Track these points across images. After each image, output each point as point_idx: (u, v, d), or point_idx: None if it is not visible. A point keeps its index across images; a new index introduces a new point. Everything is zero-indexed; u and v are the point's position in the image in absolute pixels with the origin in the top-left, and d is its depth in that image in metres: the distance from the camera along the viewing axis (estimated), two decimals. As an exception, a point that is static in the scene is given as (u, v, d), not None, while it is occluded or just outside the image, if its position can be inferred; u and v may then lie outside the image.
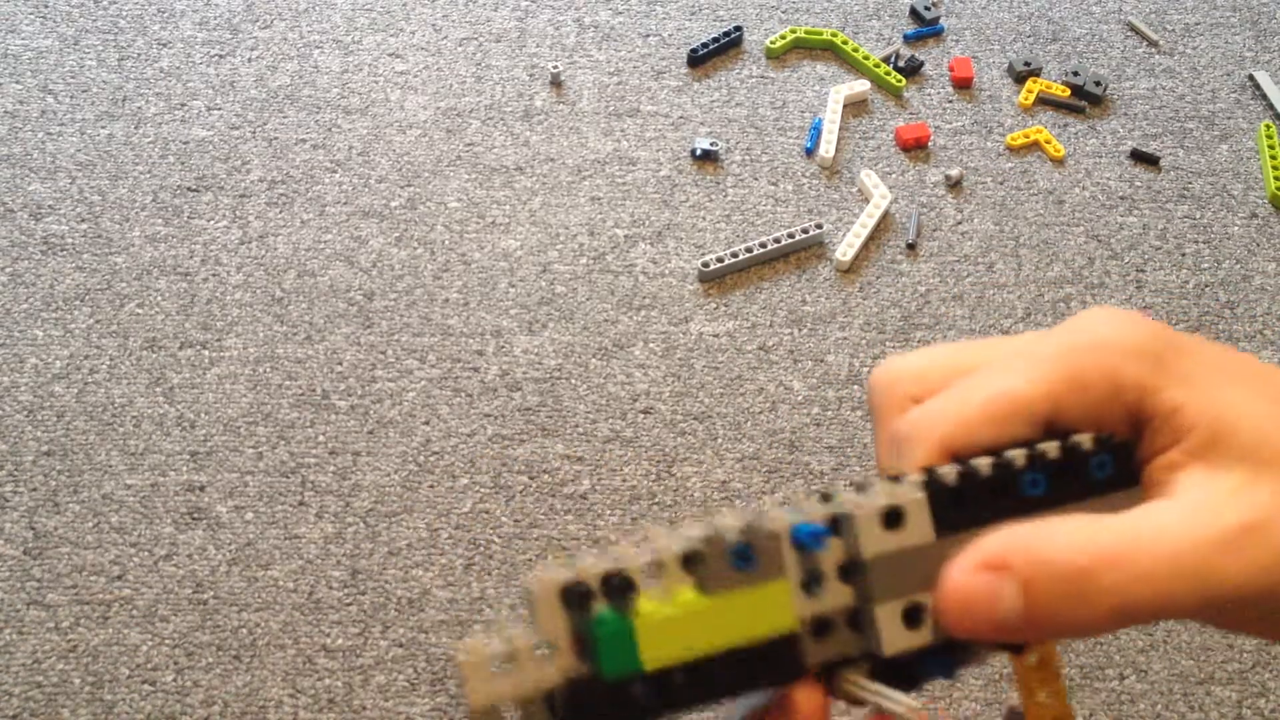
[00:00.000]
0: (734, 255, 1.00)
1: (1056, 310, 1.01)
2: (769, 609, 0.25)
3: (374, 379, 0.94)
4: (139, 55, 1.10)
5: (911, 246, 1.03)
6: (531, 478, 0.90)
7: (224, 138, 1.06)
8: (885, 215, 1.04)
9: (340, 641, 0.84)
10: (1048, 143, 1.09)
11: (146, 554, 0.86)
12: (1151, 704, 0.84)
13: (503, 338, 0.96)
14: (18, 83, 1.08)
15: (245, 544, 0.87)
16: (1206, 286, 1.03)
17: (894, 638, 0.26)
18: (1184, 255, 1.05)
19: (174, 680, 0.82)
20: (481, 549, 0.87)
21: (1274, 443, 0.25)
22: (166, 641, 0.83)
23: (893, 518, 0.26)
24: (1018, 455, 0.27)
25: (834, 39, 1.14)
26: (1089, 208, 1.07)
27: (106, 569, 0.85)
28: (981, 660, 0.27)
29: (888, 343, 0.98)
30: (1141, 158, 1.10)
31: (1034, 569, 0.24)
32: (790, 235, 1.01)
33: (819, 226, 1.01)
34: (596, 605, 0.24)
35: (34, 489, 0.88)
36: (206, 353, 0.95)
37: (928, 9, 1.17)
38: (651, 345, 0.97)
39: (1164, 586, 0.24)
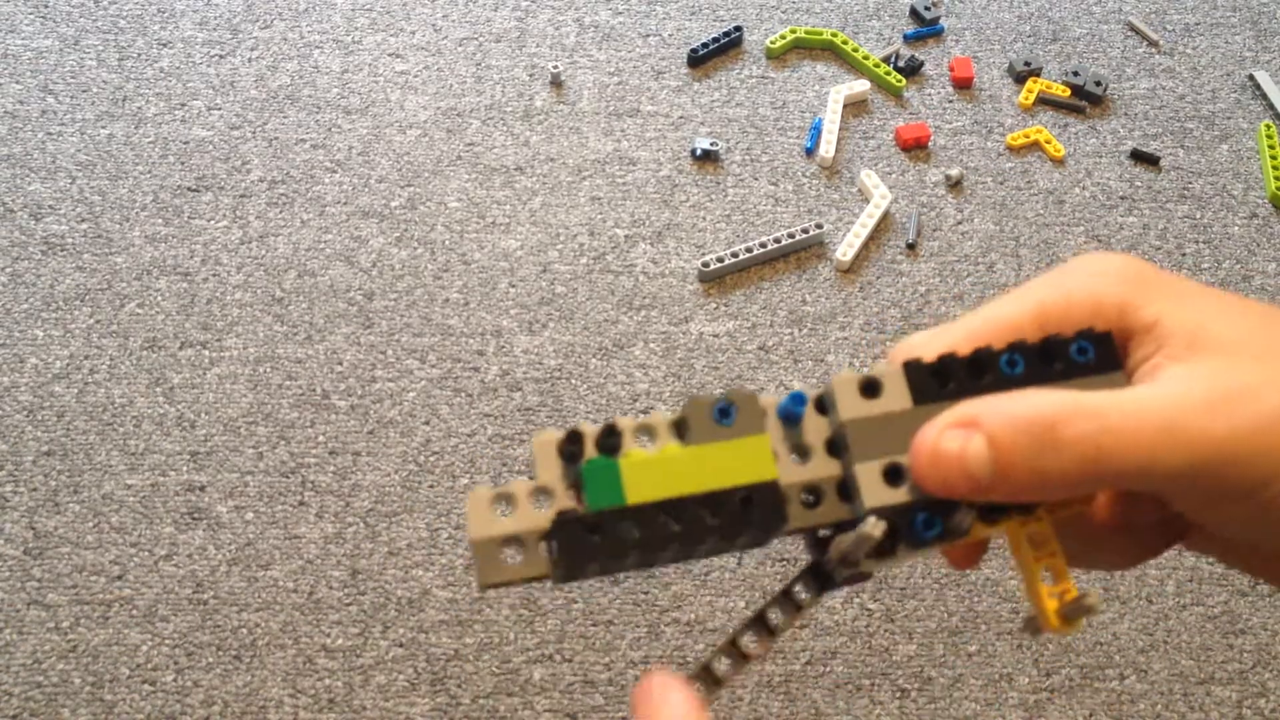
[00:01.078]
0: (734, 255, 1.00)
1: (1056, 310, 1.01)
2: (748, 459, 0.27)
3: (374, 379, 0.94)
4: (139, 55, 1.10)
5: (911, 246, 1.03)
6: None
7: (224, 138, 1.06)
8: (885, 215, 1.04)
9: (340, 641, 0.84)
10: (1048, 143, 1.09)
11: (146, 554, 0.86)
12: (1151, 704, 0.84)
13: (503, 338, 0.96)
14: (18, 83, 1.08)
15: (245, 544, 0.87)
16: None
17: (874, 494, 0.27)
18: (1184, 255, 1.05)
19: (174, 680, 0.82)
20: (481, 549, 0.87)
21: (1248, 341, 0.26)
22: (166, 641, 0.83)
23: (870, 387, 0.27)
24: (996, 342, 0.28)
25: (834, 39, 1.14)
26: (1089, 208, 1.07)
27: (106, 569, 0.85)
28: (962, 531, 0.27)
29: (888, 343, 0.98)
30: (1141, 158, 1.10)
31: (1001, 423, 0.25)
32: (790, 235, 1.01)
33: (819, 226, 1.01)
34: (588, 454, 0.27)
35: (34, 489, 0.88)
36: (206, 353, 0.95)
37: (928, 9, 1.17)
38: (651, 345, 0.97)
39: (1144, 440, 0.24)
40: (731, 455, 0.27)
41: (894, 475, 0.27)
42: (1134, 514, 0.29)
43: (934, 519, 0.27)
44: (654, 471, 0.26)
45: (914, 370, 0.27)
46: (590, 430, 0.27)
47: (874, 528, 0.26)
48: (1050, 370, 0.27)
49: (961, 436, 0.26)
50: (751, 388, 0.30)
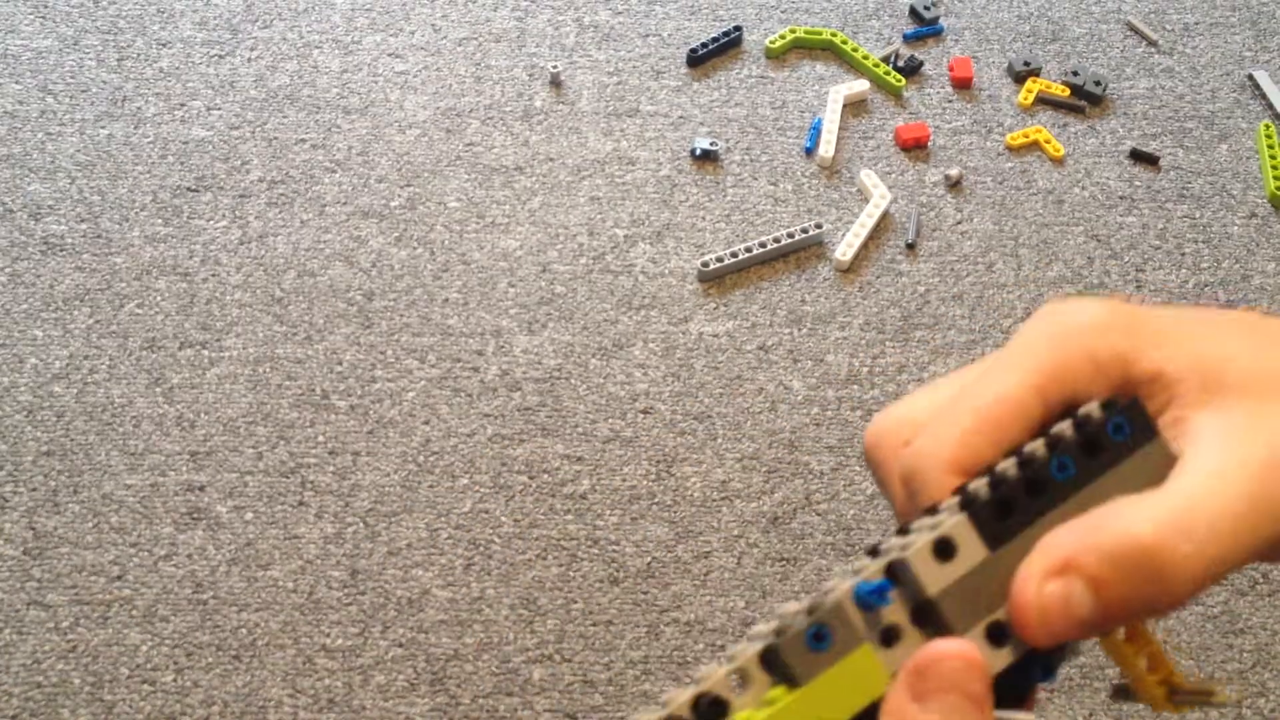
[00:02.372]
0: (734, 255, 1.00)
1: (1056, 310, 1.01)
2: (858, 678, 0.25)
3: (374, 379, 0.94)
4: (139, 55, 1.10)
5: (911, 246, 1.03)
6: (531, 478, 0.90)
7: (224, 138, 1.06)
8: (885, 215, 1.04)
9: (340, 641, 0.84)
10: (1047, 142, 1.09)
11: (146, 554, 0.86)
12: (1151, 704, 0.84)
13: (502, 338, 0.96)
14: (17, 83, 1.08)
15: (245, 544, 0.87)
16: (1206, 286, 1.03)
17: (987, 663, 0.26)
18: (1183, 255, 1.05)
19: (174, 680, 0.82)
20: (481, 549, 0.87)
21: (1257, 369, 0.26)
22: (166, 641, 0.83)
23: (943, 548, 0.26)
24: (1037, 447, 0.27)
25: (834, 39, 1.14)
26: (1089, 207, 1.07)
27: (106, 569, 0.85)
28: (1077, 653, 0.27)
29: (887, 342, 0.98)
30: (1141, 157, 1.10)
31: (1098, 562, 0.24)
32: (790, 235, 1.01)
33: (819, 226, 1.01)
34: None
35: (34, 489, 0.88)
36: (206, 353, 0.95)
37: (927, 9, 1.17)
38: (651, 345, 0.97)
39: (1243, 532, 0.24)
40: (840, 682, 0.25)
41: (997, 636, 0.26)
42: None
43: (1049, 663, 0.27)
44: None
45: (978, 513, 0.26)
46: (683, 700, 0.24)
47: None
48: (1099, 463, 0.27)
49: (1062, 586, 0.25)
50: (825, 586, 0.27)
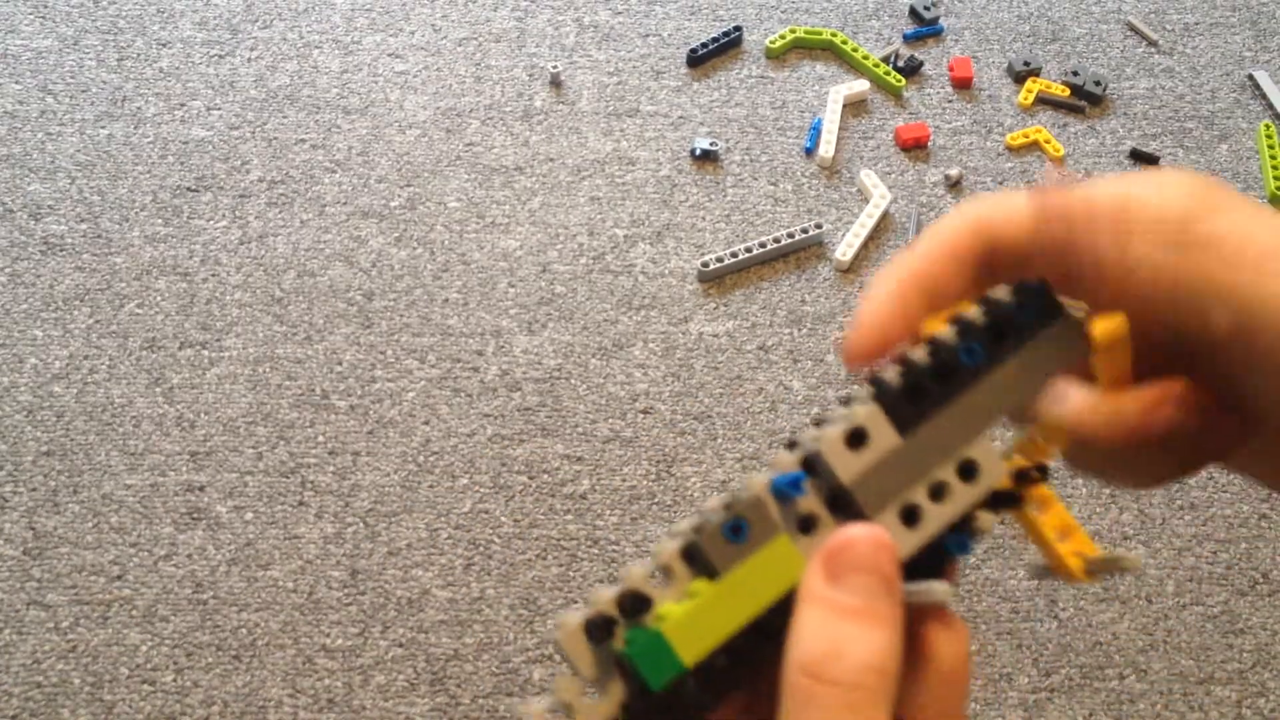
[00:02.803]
0: (734, 255, 1.00)
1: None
2: (777, 567, 0.26)
3: (374, 379, 0.94)
4: (139, 55, 1.10)
5: (911, 246, 1.03)
6: (531, 478, 0.90)
7: (224, 138, 1.06)
8: (885, 215, 1.04)
9: (340, 641, 0.84)
10: (1047, 142, 1.09)
11: (146, 554, 0.86)
12: (1151, 704, 0.84)
13: (502, 338, 0.96)
14: (17, 83, 1.08)
15: (245, 544, 0.87)
16: (1206, 286, 1.03)
17: (900, 543, 0.26)
18: (1184, 255, 1.05)
19: (174, 680, 0.82)
20: (481, 549, 0.87)
21: None
22: (166, 641, 0.83)
23: (856, 437, 0.27)
24: (946, 334, 0.27)
25: (833, 39, 1.14)
26: (1089, 207, 1.07)
27: (106, 569, 0.85)
28: (989, 530, 0.28)
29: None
30: (1141, 157, 1.10)
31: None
32: (790, 235, 1.01)
33: (819, 226, 1.01)
34: (621, 629, 0.25)
35: (34, 489, 0.88)
36: (206, 353, 0.95)
37: (927, 9, 1.17)
38: (651, 345, 0.97)
39: (1247, 268, 0.25)
40: (760, 570, 0.26)
41: (910, 517, 0.27)
42: (1183, 417, 0.28)
43: (960, 535, 0.27)
44: (697, 624, 0.25)
45: (889, 401, 0.27)
46: (607, 597, 0.25)
47: (941, 589, 0.25)
48: (1007, 345, 0.28)
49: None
50: (744, 479, 0.28)
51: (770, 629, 0.25)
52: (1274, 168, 1.09)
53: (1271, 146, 1.10)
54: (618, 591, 0.25)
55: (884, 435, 0.27)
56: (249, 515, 0.88)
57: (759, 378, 0.96)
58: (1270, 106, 1.14)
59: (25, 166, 1.03)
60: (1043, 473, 0.29)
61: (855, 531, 0.25)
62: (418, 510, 0.89)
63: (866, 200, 1.05)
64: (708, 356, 0.96)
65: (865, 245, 1.02)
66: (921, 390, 0.27)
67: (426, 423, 0.92)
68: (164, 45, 1.11)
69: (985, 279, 0.29)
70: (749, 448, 0.92)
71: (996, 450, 0.27)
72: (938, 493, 0.27)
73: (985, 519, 0.27)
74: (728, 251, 1.00)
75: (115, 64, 1.10)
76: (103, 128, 1.05)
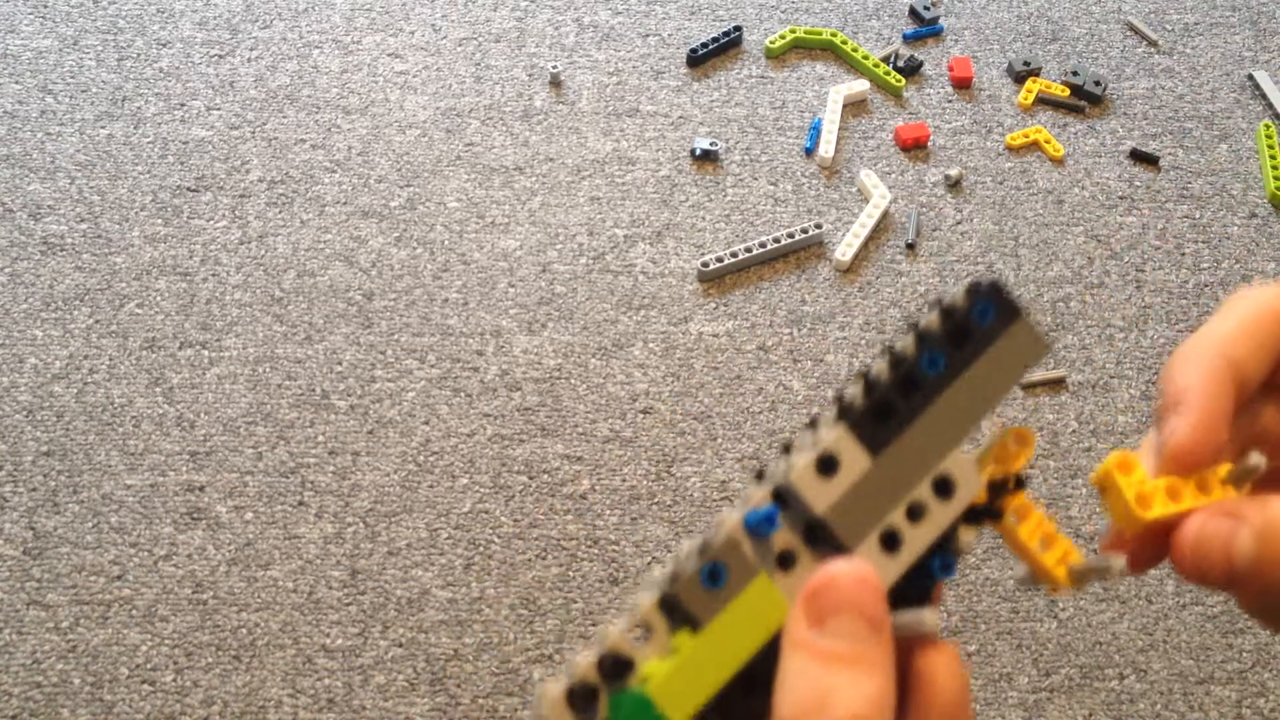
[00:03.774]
0: (733, 255, 1.00)
1: (1056, 310, 1.01)
2: (759, 609, 0.25)
3: (374, 379, 0.94)
4: (139, 55, 1.10)
5: (911, 246, 1.03)
6: (531, 478, 0.90)
7: (224, 138, 1.06)
8: (885, 215, 1.04)
9: (340, 641, 0.84)
10: (1047, 142, 1.09)
11: (146, 554, 0.86)
12: (1151, 704, 0.84)
13: (502, 338, 0.96)
14: (17, 83, 1.08)
15: (245, 544, 0.87)
16: (1206, 286, 1.03)
17: (883, 572, 0.25)
18: (1183, 255, 1.05)
19: (174, 680, 0.82)
20: (481, 549, 0.87)
21: None
22: (166, 641, 0.83)
23: (826, 464, 0.26)
24: (906, 344, 0.27)
25: (833, 39, 1.14)
26: (1088, 207, 1.07)
27: (106, 569, 0.85)
28: (971, 548, 0.27)
29: (887, 342, 0.98)
30: (1141, 157, 1.10)
31: (1267, 521, 0.25)
32: (790, 235, 1.01)
33: (818, 226, 1.01)
34: (605, 695, 0.24)
35: (34, 489, 0.88)
36: (206, 353, 0.95)
37: (927, 9, 1.17)
38: (651, 345, 0.97)
39: None
40: (742, 616, 0.25)
41: (890, 543, 0.26)
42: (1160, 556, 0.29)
43: (947, 559, 0.26)
44: (683, 681, 0.24)
45: (856, 421, 0.26)
46: (587, 663, 0.24)
47: (931, 620, 0.25)
48: (968, 351, 0.27)
49: (1228, 526, 0.25)
50: (715, 520, 0.27)
51: (759, 676, 0.24)
52: (1274, 168, 1.09)
53: (1271, 146, 1.10)
54: (597, 654, 0.24)
55: (855, 458, 0.26)
56: (249, 515, 0.88)
57: (759, 377, 0.96)
58: (1270, 106, 1.14)
59: (25, 166, 1.03)
60: (1020, 484, 0.28)
61: (836, 569, 0.24)
62: (418, 510, 0.89)
63: (866, 200, 1.05)
64: (707, 356, 0.96)
65: (865, 245, 1.02)
66: (888, 406, 0.26)
67: (426, 423, 0.92)
68: (164, 45, 1.11)
69: None
70: (749, 448, 0.92)
71: (970, 462, 0.27)
72: (916, 513, 0.26)
73: (966, 536, 0.27)
74: (728, 251, 1.00)
75: (115, 64, 1.10)
76: (103, 128, 1.05)
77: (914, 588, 0.26)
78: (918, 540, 0.26)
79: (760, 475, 0.27)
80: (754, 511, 0.25)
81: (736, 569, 0.25)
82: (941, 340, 0.27)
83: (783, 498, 0.26)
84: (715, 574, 0.25)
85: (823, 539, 0.25)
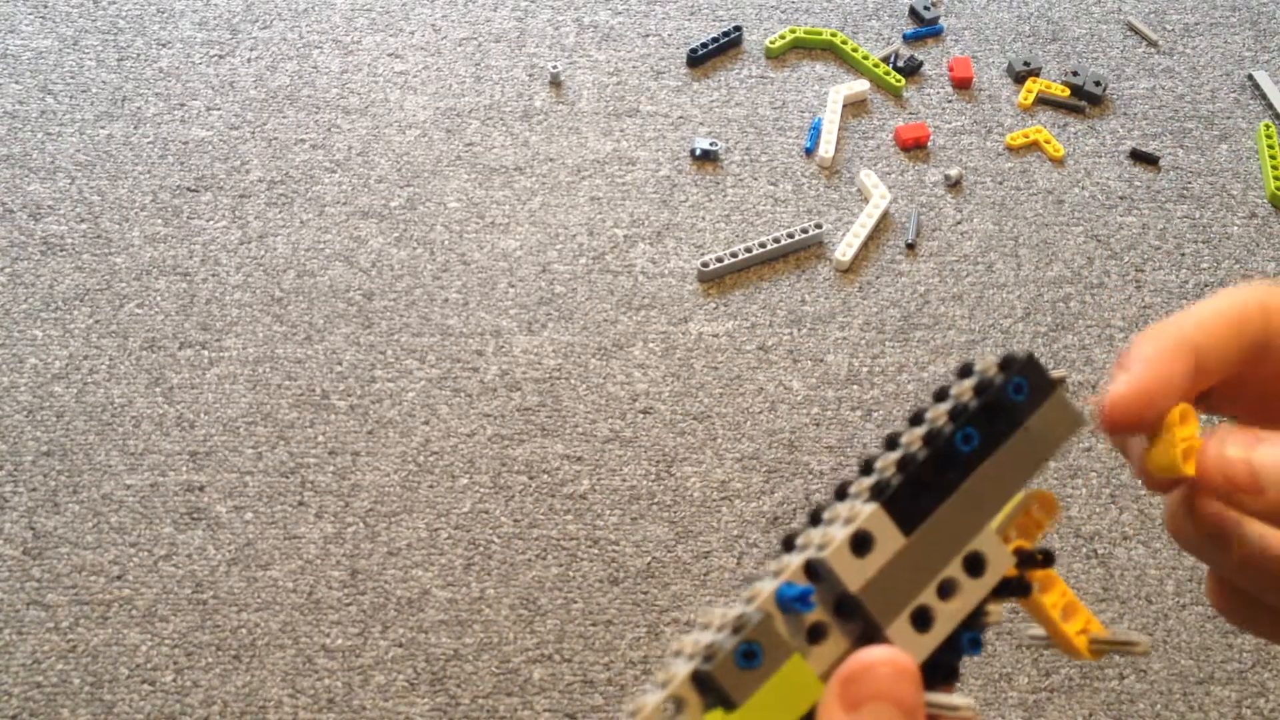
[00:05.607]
0: (733, 255, 1.00)
1: (1056, 310, 1.01)
2: (793, 688, 0.25)
3: (373, 379, 0.94)
4: (138, 55, 1.10)
5: (911, 246, 1.03)
6: (531, 478, 0.90)
7: (223, 138, 1.06)
8: (885, 215, 1.04)
9: (340, 641, 0.84)
10: (1047, 142, 1.09)
11: (146, 554, 0.86)
12: (1151, 704, 0.84)
13: (502, 338, 0.96)
14: (17, 83, 1.08)
15: (245, 544, 0.87)
16: (1206, 286, 1.03)
17: (914, 651, 0.26)
18: (1183, 255, 1.05)
19: (174, 680, 0.82)
20: (481, 549, 0.87)
21: None
22: (166, 641, 0.83)
23: (861, 543, 0.26)
24: (939, 416, 0.26)
25: (833, 39, 1.14)
26: (1088, 207, 1.07)
27: (106, 569, 0.85)
28: (997, 621, 0.27)
29: (887, 342, 0.98)
30: (1141, 157, 1.10)
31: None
32: (790, 235, 1.01)
33: (818, 226, 1.01)
34: None
35: (34, 489, 0.88)
36: (206, 353, 0.95)
37: (927, 9, 1.17)
38: (651, 345, 0.97)
39: None
40: (776, 697, 0.25)
41: (922, 621, 0.26)
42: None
43: (975, 637, 0.27)
44: None
45: (890, 500, 0.26)
46: None
47: (971, 710, 0.25)
48: (1001, 427, 0.27)
49: (1249, 438, 0.26)
50: (746, 592, 0.27)
51: None
52: (1274, 168, 1.09)
53: (1271, 146, 1.10)
54: None
55: (889, 537, 0.26)
56: (249, 515, 0.88)
57: (759, 377, 0.96)
58: (1270, 106, 1.14)
59: (25, 166, 1.03)
60: (1048, 559, 0.28)
61: (873, 655, 0.24)
62: (417, 510, 0.89)
63: (866, 200, 1.05)
64: (707, 356, 0.96)
65: (865, 245, 1.02)
66: (922, 485, 0.26)
67: (426, 423, 0.92)
68: (164, 45, 1.11)
69: (1258, 360, 0.28)
70: (749, 448, 0.92)
71: (999, 538, 0.27)
72: (947, 591, 0.26)
73: (995, 610, 0.27)
74: (727, 251, 1.00)
75: (115, 64, 1.10)
76: (103, 128, 1.05)
77: (941, 664, 0.26)
78: (949, 618, 0.26)
79: (789, 543, 0.27)
80: (789, 586, 0.25)
81: (771, 648, 0.25)
82: (975, 416, 0.26)
83: (815, 573, 0.26)
84: (750, 654, 0.25)
85: (855, 614, 0.26)
